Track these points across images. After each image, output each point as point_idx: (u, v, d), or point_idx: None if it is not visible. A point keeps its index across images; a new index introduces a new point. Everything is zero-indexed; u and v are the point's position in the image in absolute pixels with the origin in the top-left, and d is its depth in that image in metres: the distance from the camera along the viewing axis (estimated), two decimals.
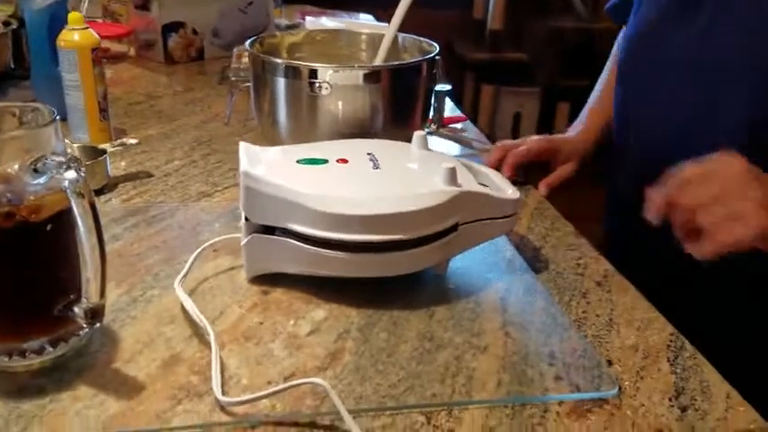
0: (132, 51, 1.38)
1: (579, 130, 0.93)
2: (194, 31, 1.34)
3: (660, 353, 0.54)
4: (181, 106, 1.12)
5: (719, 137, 0.71)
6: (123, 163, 0.86)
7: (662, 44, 0.76)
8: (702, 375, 0.52)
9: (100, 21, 1.40)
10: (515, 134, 3.33)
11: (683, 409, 0.48)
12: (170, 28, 1.31)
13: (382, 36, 0.82)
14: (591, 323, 0.58)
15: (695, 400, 0.49)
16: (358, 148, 0.63)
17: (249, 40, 0.81)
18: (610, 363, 0.53)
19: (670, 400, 0.49)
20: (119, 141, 0.84)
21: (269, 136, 0.81)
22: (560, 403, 0.48)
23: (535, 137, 0.89)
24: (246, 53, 0.99)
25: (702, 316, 0.70)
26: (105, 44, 0.87)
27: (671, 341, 0.56)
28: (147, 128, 1.00)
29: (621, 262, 0.69)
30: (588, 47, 3.22)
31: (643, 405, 0.48)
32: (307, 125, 0.76)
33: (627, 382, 0.51)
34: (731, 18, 0.69)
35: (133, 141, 0.84)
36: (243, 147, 0.63)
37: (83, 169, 0.42)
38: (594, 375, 0.51)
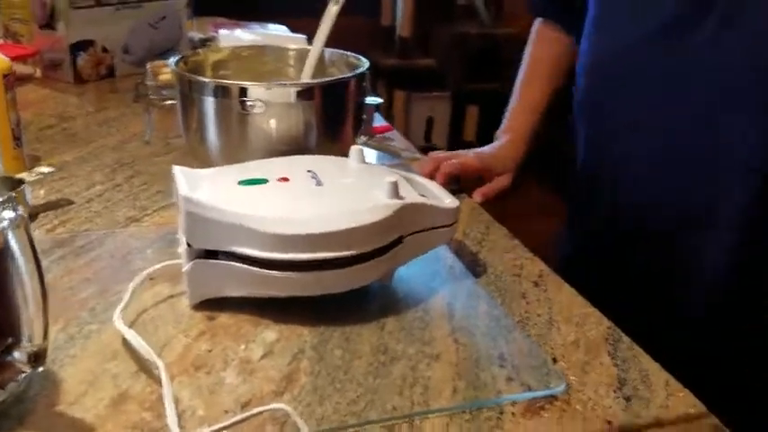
0: (39, 72, 1.31)
1: (507, 140, 0.93)
2: (104, 49, 1.29)
3: (600, 346, 0.57)
4: (95, 127, 1.07)
5: (720, 137, 0.72)
6: (42, 191, 0.82)
7: (666, 51, 0.74)
8: (641, 365, 0.55)
9: (0, 41, 1.32)
10: (429, 138, 3.40)
11: (628, 399, 0.51)
12: (78, 46, 1.26)
13: (308, 51, 0.82)
14: (533, 323, 0.60)
15: (638, 389, 0.52)
16: (297, 166, 0.63)
17: (172, 59, 0.79)
18: (555, 360, 0.55)
19: (615, 391, 0.52)
20: (35, 170, 0.79)
21: (198, 156, 0.80)
22: (514, 403, 0.50)
23: (469, 153, 0.90)
24: (163, 69, 0.97)
25: (639, 310, 0.74)
26: None
27: (609, 334, 0.59)
28: (62, 153, 0.95)
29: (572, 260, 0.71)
30: (492, 51, 3.33)
31: (591, 399, 0.51)
32: (238, 144, 0.75)
33: (573, 378, 0.53)
34: (739, 20, 0.69)
35: (49, 169, 0.80)
36: (178, 170, 0.61)
37: (21, 206, 0.40)
38: (543, 373, 0.53)
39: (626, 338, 0.58)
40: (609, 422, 0.49)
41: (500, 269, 0.69)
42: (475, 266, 0.69)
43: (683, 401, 0.51)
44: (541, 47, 0.98)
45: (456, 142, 3.45)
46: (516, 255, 0.72)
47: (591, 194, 0.89)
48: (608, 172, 0.85)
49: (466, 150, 0.91)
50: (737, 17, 0.69)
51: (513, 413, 0.49)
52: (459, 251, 0.72)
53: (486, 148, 0.93)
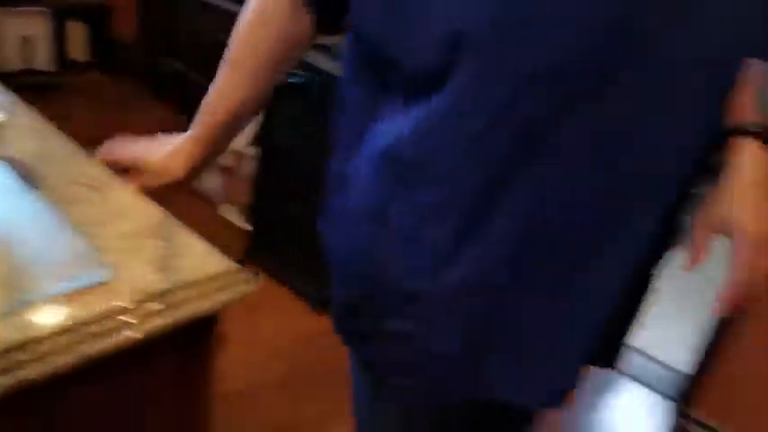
0: None
1: (186, 150, 0.73)
2: None
3: (151, 235, 0.63)
4: None
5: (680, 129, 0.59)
6: None
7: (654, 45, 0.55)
8: (188, 247, 0.62)
9: None
10: (28, 61, 3.03)
11: (169, 271, 0.58)
12: None
13: None
14: (86, 223, 0.62)
15: (180, 262, 0.59)
16: None
17: None
18: (106, 252, 0.59)
19: (159, 269, 0.58)
20: None
21: None
22: (63, 296, 0.53)
23: (138, 148, 0.74)
24: None
25: None
26: None
27: (158, 222, 0.65)
28: None
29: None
30: None
31: (137, 277, 0.56)
32: None
33: (123, 265, 0.58)
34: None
35: None
36: None
37: None
38: (93, 266, 0.57)
39: (174, 221, 0.65)
40: (152, 294, 0.55)
41: (62, 179, 0.69)
42: (35, 180, 0.68)
43: (213, 263, 0.60)
44: (272, 14, 0.69)
45: (64, 63, 3.16)
46: (80, 164, 0.73)
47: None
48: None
49: (144, 143, 0.74)
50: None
51: (59, 303, 0.52)
52: (17, 166, 0.70)
53: (159, 150, 0.73)
